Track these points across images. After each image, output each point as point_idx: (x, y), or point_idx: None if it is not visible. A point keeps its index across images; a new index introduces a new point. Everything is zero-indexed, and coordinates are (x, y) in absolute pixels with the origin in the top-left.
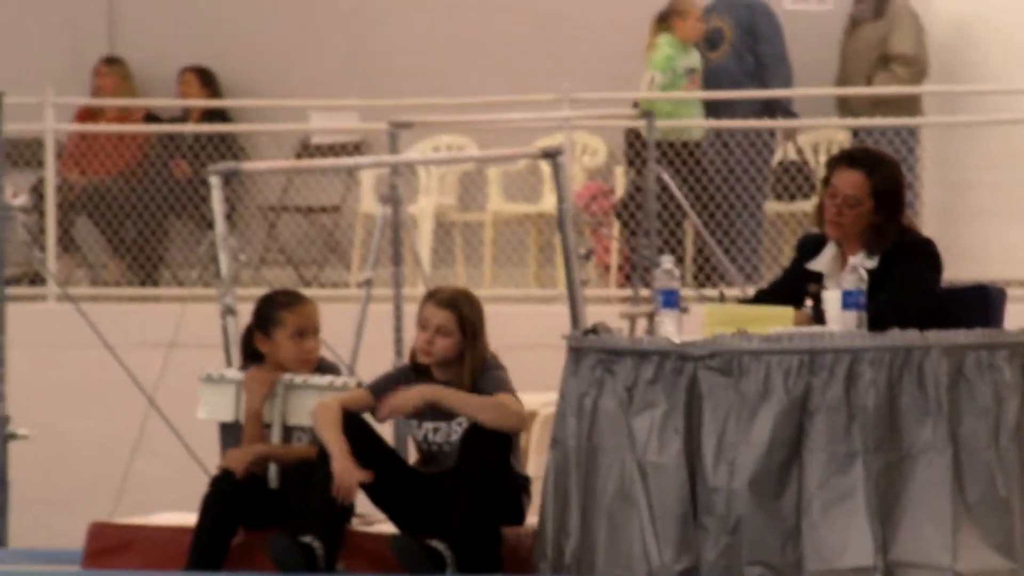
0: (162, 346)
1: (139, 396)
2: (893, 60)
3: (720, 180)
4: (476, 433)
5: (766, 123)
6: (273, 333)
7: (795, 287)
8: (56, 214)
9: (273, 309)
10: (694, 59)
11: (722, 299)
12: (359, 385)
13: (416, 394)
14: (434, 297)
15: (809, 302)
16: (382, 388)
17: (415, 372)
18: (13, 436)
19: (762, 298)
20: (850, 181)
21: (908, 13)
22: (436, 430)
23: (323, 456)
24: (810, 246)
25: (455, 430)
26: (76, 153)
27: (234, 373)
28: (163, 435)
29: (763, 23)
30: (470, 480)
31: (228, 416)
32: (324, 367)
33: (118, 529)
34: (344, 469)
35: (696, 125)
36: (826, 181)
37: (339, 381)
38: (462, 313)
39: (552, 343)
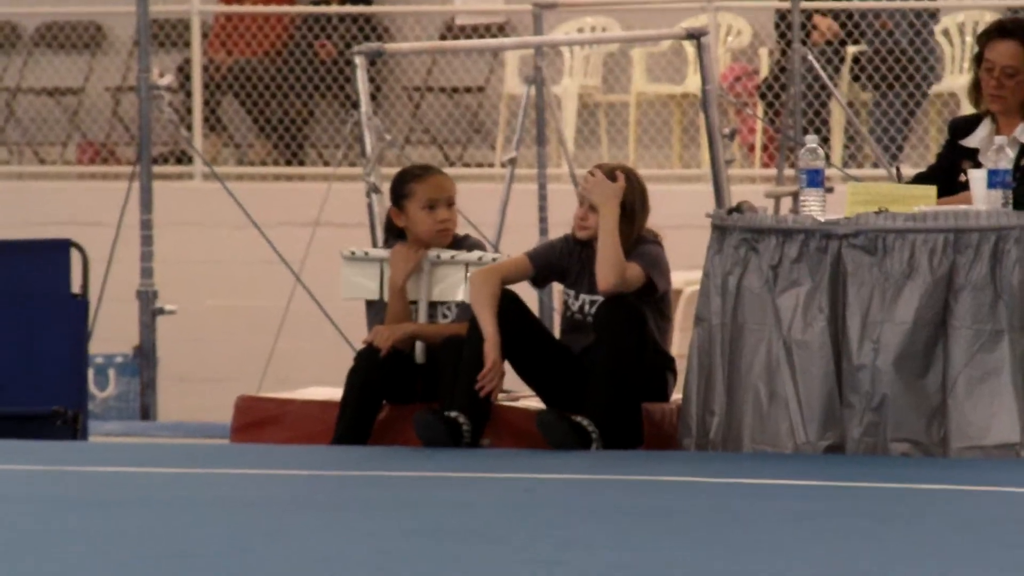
0: (307, 224)
1: (285, 273)
2: None
3: (879, 60)
4: (609, 308)
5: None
6: (406, 206)
7: (952, 167)
8: (202, 94)
9: (404, 182)
10: None
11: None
12: None
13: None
14: (594, 173)
15: (964, 179)
16: (543, 257)
17: (577, 243)
18: (161, 311)
19: (920, 181)
20: (1005, 52)
21: None
22: (593, 303)
23: (474, 333)
24: (961, 125)
25: None
26: (222, 33)
27: (377, 251)
28: (309, 311)
29: None
30: (608, 355)
31: (372, 294)
32: (470, 244)
33: (265, 403)
34: (494, 361)
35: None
36: (979, 57)
37: (487, 257)
38: None
39: (696, 222)
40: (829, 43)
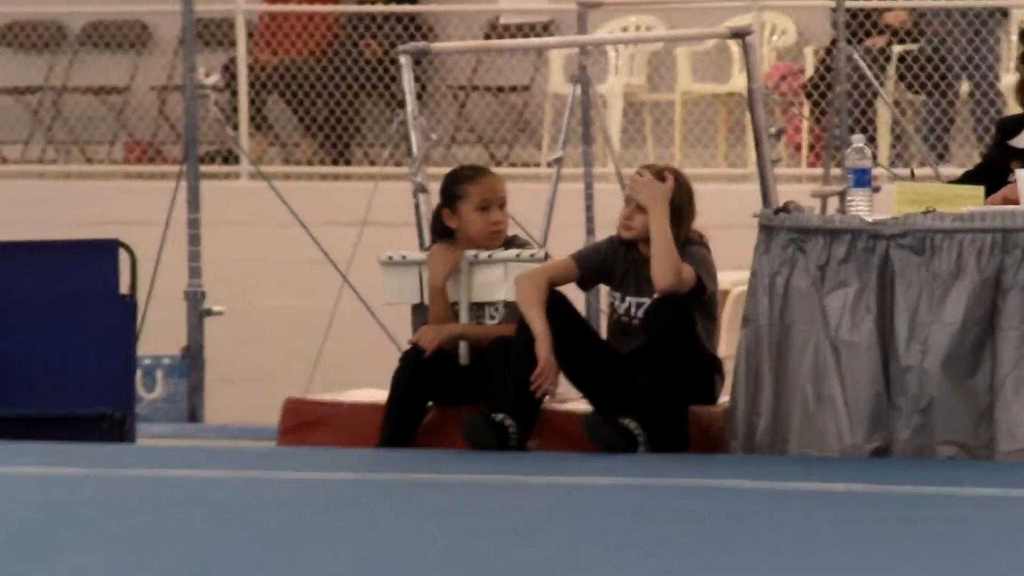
0: (354, 224)
1: (331, 273)
2: None
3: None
4: (659, 309)
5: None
6: (459, 207)
7: (1000, 166)
8: (248, 93)
9: (457, 183)
10: None
11: (912, 177)
12: (547, 257)
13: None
14: (642, 174)
15: (1012, 179)
16: (589, 260)
17: (623, 244)
18: (208, 312)
19: (967, 179)
20: None
21: None
22: (639, 305)
23: (522, 334)
24: (1010, 125)
25: None
26: (267, 33)
27: (415, 254)
28: (356, 312)
29: None
30: (657, 357)
31: (413, 298)
32: (516, 243)
33: (313, 405)
34: (547, 361)
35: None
36: (1023, 56)
37: (524, 254)
38: None
39: (742, 222)
40: (895, 33)
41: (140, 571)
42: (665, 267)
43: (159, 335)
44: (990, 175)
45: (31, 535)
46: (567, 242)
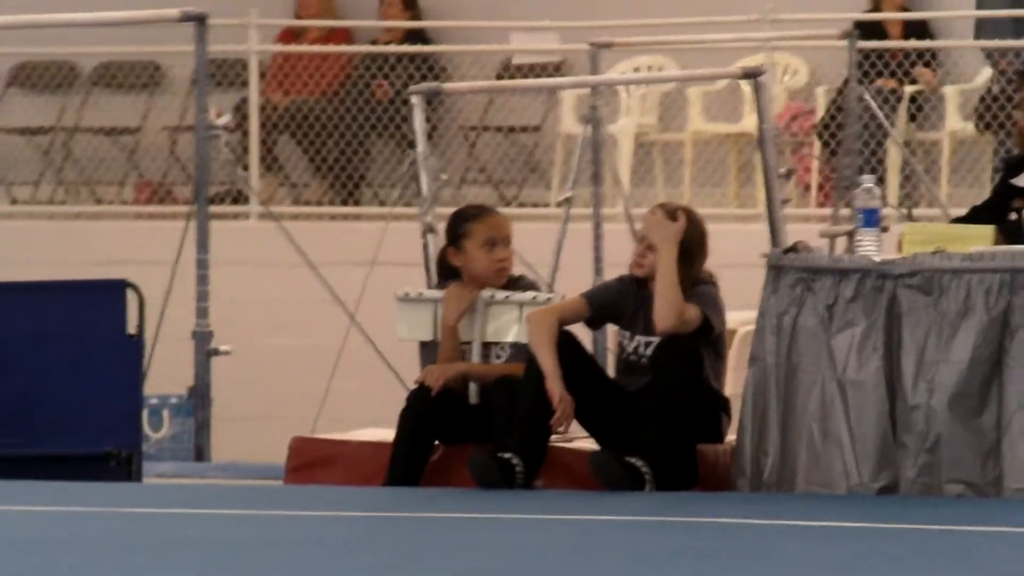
0: (363, 264)
1: (339, 313)
2: None
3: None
4: (667, 348)
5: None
6: (464, 245)
7: (1003, 205)
8: (259, 133)
9: (462, 222)
10: None
11: (910, 216)
12: (561, 299)
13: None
14: (655, 212)
15: (1014, 217)
16: (599, 298)
17: (634, 282)
18: (215, 352)
19: (970, 218)
20: None
21: None
22: (648, 344)
23: (531, 373)
24: (1013, 164)
25: None
26: (279, 73)
27: (431, 292)
28: (363, 352)
29: None
30: (664, 395)
31: (426, 335)
32: (524, 285)
33: (320, 444)
34: (563, 396)
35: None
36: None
37: (541, 297)
38: None
39: (751, 262)
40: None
41: None
42: (667, 309)
43: (166, 374)
44: (995, 211)
45: (37, 574)
46: (576, 282)
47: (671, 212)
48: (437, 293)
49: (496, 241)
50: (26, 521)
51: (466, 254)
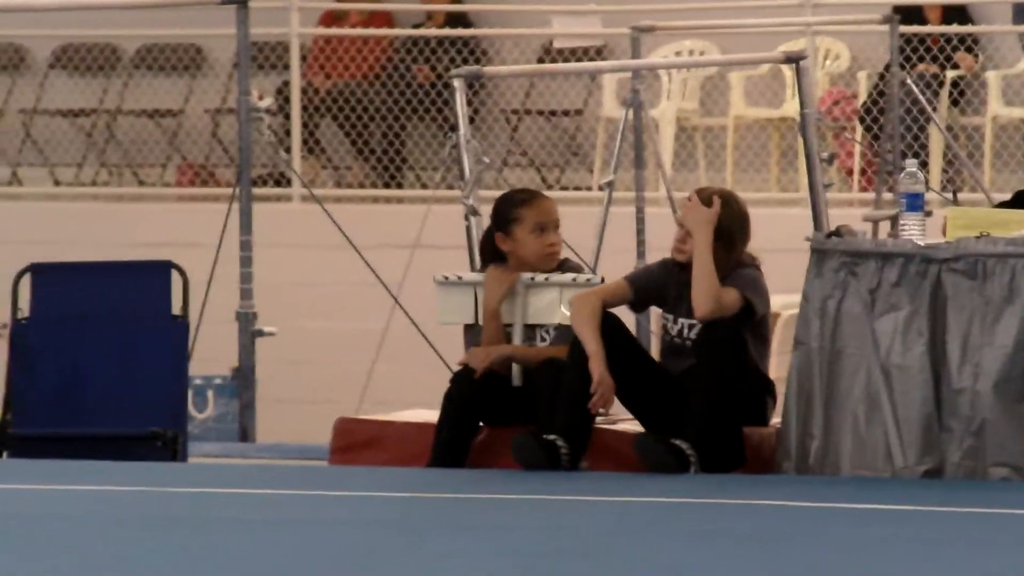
0: (405, 247)
1: (382, 295)
2: None
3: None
4: (711, 331)
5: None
6: (513, 231)
7: None
8: (301, 116)
9: (511, 207)
10: None
11: (955, 199)
12: (602, 281)
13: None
14: (691, 198)
15: None
16: (642, 281)
17: (676, 266)
18: (260, 333)
19: (1014, 202)
20: None
21: None
22: (691, 327)
23: (575, 355)
24: None
25: None
26: (320, 56)
27: (471, 275)
28: (407, 334)
29: None
30: (708, 378)
31: (467, 318)
32: (568, 267)
33: (364, 425)
34: (604, 379)
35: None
36: None
37: (581, 278)
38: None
39: (794, 246)
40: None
41: None
42: (703, 294)
43: (210, 355)
44: None
45: (84, 552)
46: (618, 266)
47: (706, 197)
48: (477, 276)
49: (546, 226)
50: (72, 501)
51: (515, 239)
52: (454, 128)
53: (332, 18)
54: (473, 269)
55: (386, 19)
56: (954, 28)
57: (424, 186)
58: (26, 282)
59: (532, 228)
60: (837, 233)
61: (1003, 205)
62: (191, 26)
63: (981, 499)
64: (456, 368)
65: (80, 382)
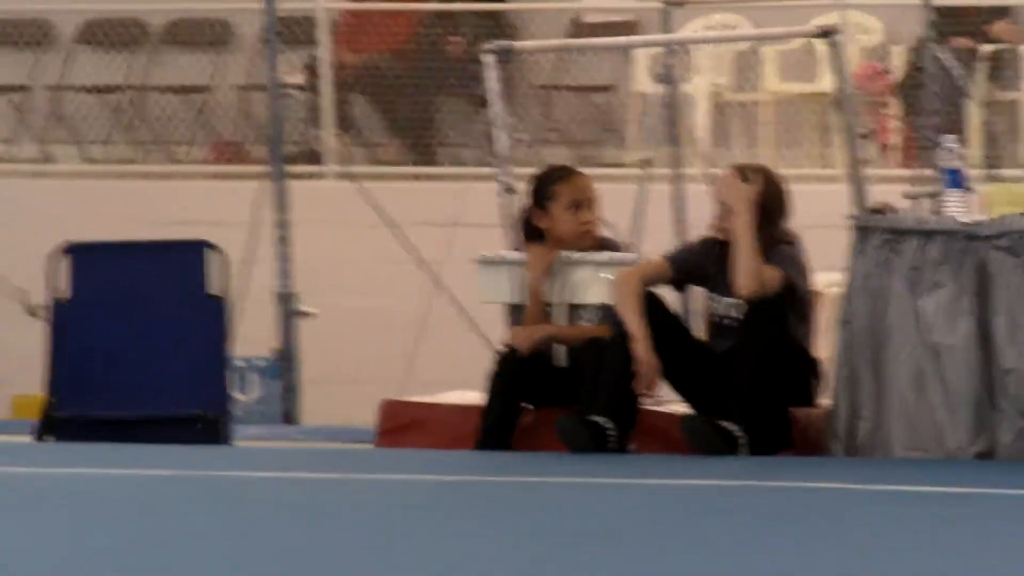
0: (442, 224)
1: (418, 273)
2: None
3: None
4: (753, 310)
5: None
6: (549, 207)
7: None
8: (332, 92)
9: (547, 183)
10: None
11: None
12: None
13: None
14: (729, 175)
15: None
16: (682, 260)
17: (717, 244)
18: (300, 313)
19: None
20: None
21: None
22: (733, 305)
23: (618, 335)
24: None
25: None
26: (348, 31)
27: (512, 254)
28: (448, 313)
29: None
30: (753, 358)
31: (508, 297)
32: (607, 245)
33: (410, 407)
34: (648, 360)
35: None
36: None
37: (619, 256)
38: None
39: (831, 223)
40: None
41: (237, 572)
42: (745, 273)
43: (249, 336)
44: None
45: (126, 536)
46: (655, 243)
47: (744, 173)
48: (517, 255)
49: (581, 203)
50: (113, 485)
51: (551, 216)
52: (485, 104)
53: None
54: (510, 247)
55: None
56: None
57: (459, 163)
58: (58, 262)
59: (568, 205)
60: (880, 210)
61: None
62: (218, 1)
63: None
64: (499, 348)
65: (122, 364)
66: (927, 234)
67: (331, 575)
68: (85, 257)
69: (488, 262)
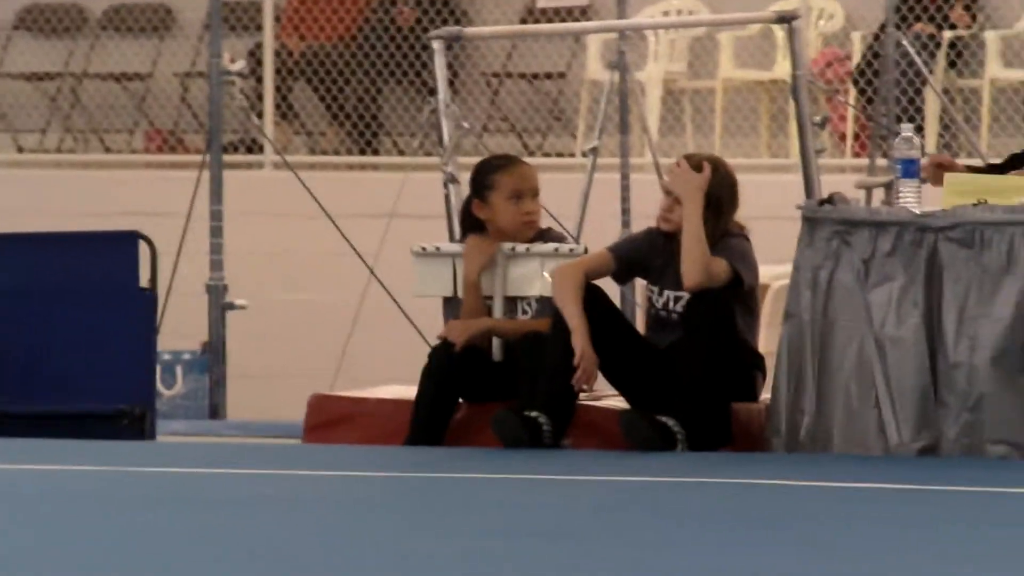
0: (382, 216)
1: (358, 267)
2: None
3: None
4: (698, 303)
5: None
6: (490, 197)
7: None
8: (274, 80)
9: (488, 173)
10: None
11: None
12: (585, 252)
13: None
14: (679, 164)
15: None
16: (626, 252)
17: (662, 236)
18: (231, 306)
19: (1008, 166)
20: None
21: None
22: (677, 299)
23: (558, 328)
24: None
25: None
26: (295, 17)
27: (449, 246)
28: (383, 307)
29: None
30: (695, 352)
31: (445, 291)
32: (550, 237)
33: (339, 402)
34: (587, 354)
35: None
36: None
37: (563, 249)
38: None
39: (783, 214)
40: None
41: (161, 569)
42: (693, 264)
43: (179, 330)
44: None
45: (46, 532)
46: (602, 234)
47: (696, 163)
48: (455, 247)
49: (523, 193)
50: (35, 480)
51: (492, 207)
52: (432, 92)
53: None
54: (452, 239)
55: None
56: None
57: (401, 153)
58: None
59: (509, 195)
60: (830, 200)
61: (995, 168)
62: None
63: (979, 478)
64: (434, 342)
65: (44, 358)
66: (879, 225)
67: (258, 570)
68: (9, 249)
69: (424, 254)
